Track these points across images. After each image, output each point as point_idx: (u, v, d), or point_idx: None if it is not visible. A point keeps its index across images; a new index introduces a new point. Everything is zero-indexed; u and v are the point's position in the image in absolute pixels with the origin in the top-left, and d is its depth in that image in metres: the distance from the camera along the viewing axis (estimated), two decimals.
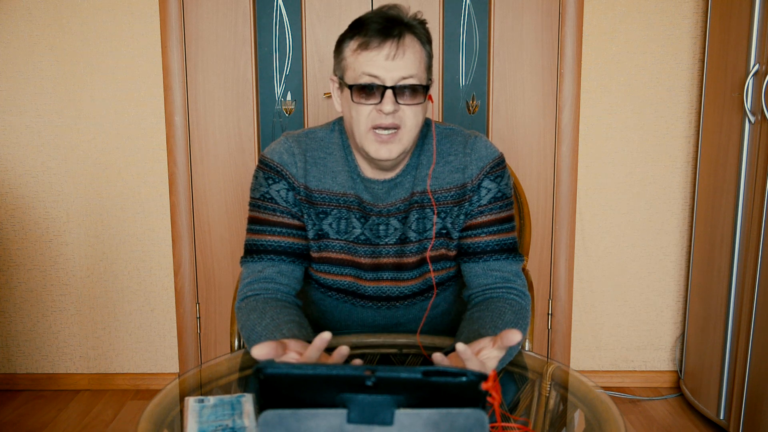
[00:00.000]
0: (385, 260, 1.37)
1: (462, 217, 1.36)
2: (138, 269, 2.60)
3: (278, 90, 2.51)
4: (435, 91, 2.48)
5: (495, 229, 1.35)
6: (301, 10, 2.45)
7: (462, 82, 2.50)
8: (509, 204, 1.38)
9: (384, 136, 1.25)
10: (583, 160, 2.54)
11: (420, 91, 1.25)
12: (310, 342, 1.11)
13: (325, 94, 2.49)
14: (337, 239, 1.35)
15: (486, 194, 1.35)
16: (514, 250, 1.36)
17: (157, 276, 2.61)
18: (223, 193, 2.55)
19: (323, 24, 2.46)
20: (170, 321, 2.63)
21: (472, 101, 2.51)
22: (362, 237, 1.36)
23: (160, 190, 2.55)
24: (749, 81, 2.04)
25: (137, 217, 2.57)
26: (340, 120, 1.40)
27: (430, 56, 1.30)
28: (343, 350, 1.04)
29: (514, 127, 2.51)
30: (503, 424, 0.99)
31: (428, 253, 1.36)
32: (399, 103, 1.24)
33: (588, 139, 2.53)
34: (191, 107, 2.50)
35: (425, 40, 1.29)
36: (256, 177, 1.38)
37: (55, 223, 2.57)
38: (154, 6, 2.44)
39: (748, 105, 2.06)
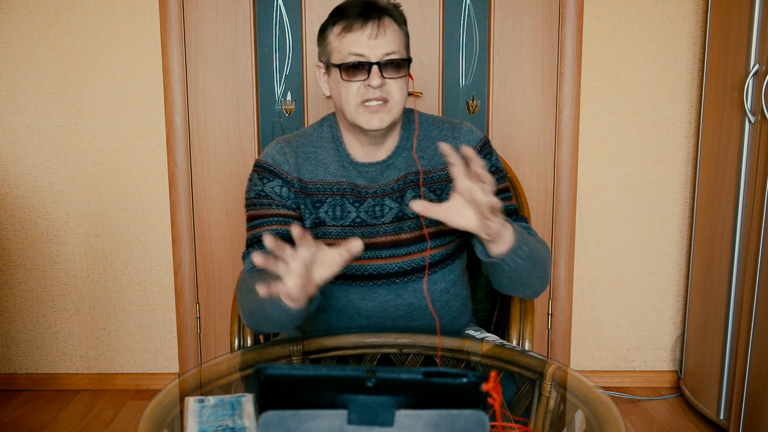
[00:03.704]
0: (381, 239, 1.41)
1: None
2: (138, 269, 2.60)
3: (278, 90, 2.51)
4: (435, 90, 2.49)
5: (500, 195, 1.42)
6: (301, 10, 2.45)
7: (462, 82, 2.50)
8: (504, 177, 1.47)
9: (374, 106, 1.34)
10: (583, 160, 2.54)
11: (403, 65, 1.36)
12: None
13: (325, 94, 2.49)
14: (333, 225, 1.41)
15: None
16: (518, 213, 1.46)
17: (157, 276, 2.61)
18: (223, 193, 2.55)
19: None
20: (170, 321, 2.63)
21: (472, 101, 2.51)
22: (357, 220, 1.42)
23: (160, 190, 2.55)
24: (749, 81, 2.04)
25: (137, 217, 2.57)
26: (329, 116, 1.50)
27: (407, 35, 1.41)
28: (355, 247, 1.11)
29: (514, 127, 2.51)
30: (503, 424, 0.99)
31: (423, 221, 1.40)
32: (385, 78, 1.34)
33: (588, 139, 2.53)
34: (191, 107, 2.50)
35: (401, 21, 1.40)
36: (250, 179, 1.45)
37: (55, 223, 2.57)
38: (154, 6, 2.44)
39: (748, 105, 2.06)
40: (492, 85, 2.49)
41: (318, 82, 2.48)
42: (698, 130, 2.48)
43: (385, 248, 1.41)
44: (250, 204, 1.42)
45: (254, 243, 1.39)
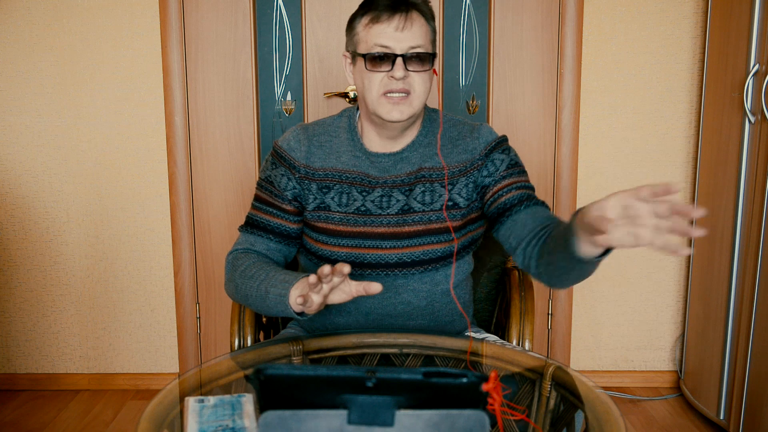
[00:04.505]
0: (383, 229, 1.42)
1: (471, 185, 1.44)
2: (138, 269, 2.60)
3: (278, 90, 2.51)
4: (435, 90, 2.48)
5: (521, 185, 1.44)
6: (301, 10, 2.45)
7: (462, 82, 2.50)
8: (524, 172, 1.47)
9: (395, 98, 1.36)
10: (583, 160, 2.54)
11: (427, 59, 1.37)
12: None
13: (325, 94, 2.49)
14: (338, 212, 1.44)
15: (501, 164, 1.45)
16: (536, 199, 1.44)
17: (157, 276, 2.61)
18: (223, 193, 2.55)
19: (323, 24, 2.46)
20: (170, 321, 2.63)
21: (472, 101, 2.51)
22: (362, 208, 1.43)
23: (160, 190, 2.55)
24: (749, 81, 2.04)
25: (137, 217, 2.57)
26: (348, 108, 1.53)
27: (434, 31, 1.42)
28: (345, 269, 1.14)
29: (514, 127, 2.51)
30: (503, 410, 0.99)
31: (445, 205, 1.43)
32: (408, 70, 1.35)
33: (588, 139, 2.53)
34: (191, 107, 2.50)
35: (429, 16, 1.41)
36: (266, 160, 1.52)
37: (55, 223, 2.57)
38: (154, 6, 2.44)
39: (748, 105, 2.06)
40: (492, 85, 2.49)
41: (317, 83, 2.49)
42: (698, 130, 2.48)
43: (386, 239, 1.42)
44: (259, 184, 1.51)
45: (250, 224, 1.48)
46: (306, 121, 2.52)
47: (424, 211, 1.43)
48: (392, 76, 1.34)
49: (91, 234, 2.58)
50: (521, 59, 2.48)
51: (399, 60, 1.34)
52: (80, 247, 2.59)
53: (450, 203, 1.43)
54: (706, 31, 2.40)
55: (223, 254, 2.58)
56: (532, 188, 1.45)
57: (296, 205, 1.47)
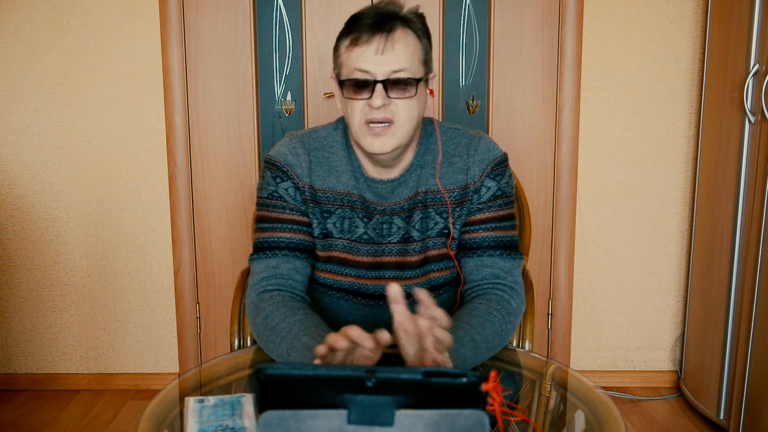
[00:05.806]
0: (387, 259, 1.37)
1: (464, 217, 1.36)
2: (138, 269, 2.60)
3: (278, 90, 2.51)
4: (435, 90, 2.48)
5: (493, 225, 1.36)
6: (301, 10, 2.45)
7: (462, 82, 2.50)
8: (509, 202, 1.38)
9: (377, 128, 1.25)
10: (583, 160, 2.54)
11: (412, 84, 1.25)
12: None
13: (325, 94, 2.49)
14: (340, 238, 1.36)
15: (486, 192, 1.36)
16: (512, 247, 1.36)
17: (157, 276, 2.61)
18: (223, 193, 2.55)
19: (323, 24, 2.46)
20: (170, 321, 2.63)
21: (472, 101, 2.51)
22: (365, 236, 1.36)
23: (160, 190, 2.55)
24: (749, 81, 2.04)
25: (137, 218, 2.57)
26: (342, 120, 1.41)
27: (426, 50, 1.30)
28: (385, 337, 1.02)
29: (514, 127, 2.51)
30: (503, 410, 0.99)
31: (449, 244, 1.36)
32: (390, 97, 1.24)
33: (588, 139, 2.53)
34: (191, 107, 2.50)
35: (421, 33, 1.29)
36: (263, 177, 1.38)
37: (55, 223, 2.57)
38: (154, 6, 2.44)
39: (748, 105, 2.06)
40: (492, 85, 2.49)
41: (317, 83, 2.49)
42: (698, 130, 2.48)
43: (389, 269, 1.37)
44: (262, 204, 1.36)
45: (266, 248, 1.34)
46: (306, 122, 2.52)
47: (422, 239, 1.36)
48: (370, 105, 1.23)
49: (91, 234, 2.58)
50: (521, 59, 2.48)
51: (378, 86, 1.22)
52: (80, 247, 2.59)
53: (446, 231, 1.36)
54: (706, 31, 2.40)
55: (223, 254, 2.58)
56: (509, 226, 1.37)
57: (309, 218, 1.37)
